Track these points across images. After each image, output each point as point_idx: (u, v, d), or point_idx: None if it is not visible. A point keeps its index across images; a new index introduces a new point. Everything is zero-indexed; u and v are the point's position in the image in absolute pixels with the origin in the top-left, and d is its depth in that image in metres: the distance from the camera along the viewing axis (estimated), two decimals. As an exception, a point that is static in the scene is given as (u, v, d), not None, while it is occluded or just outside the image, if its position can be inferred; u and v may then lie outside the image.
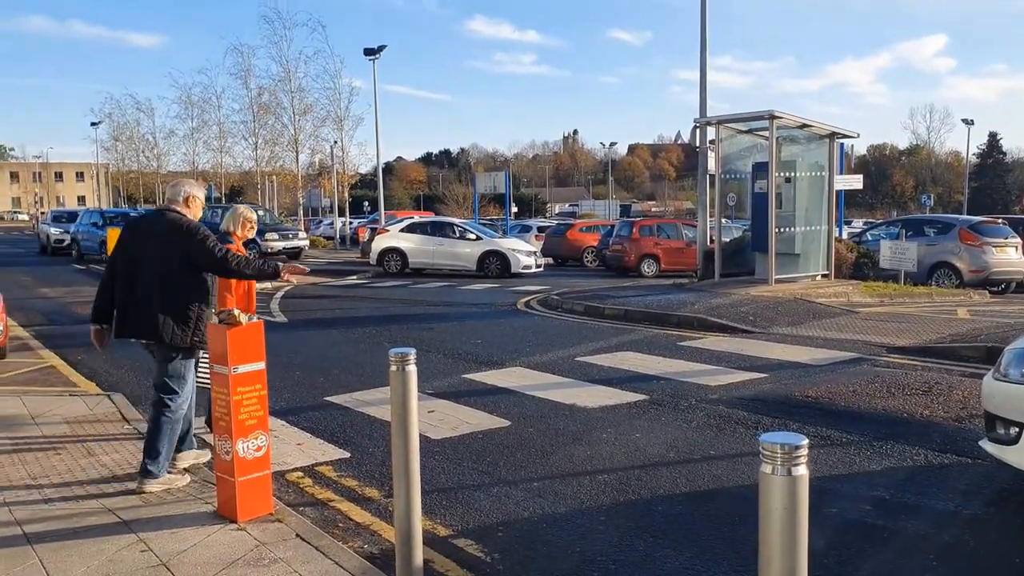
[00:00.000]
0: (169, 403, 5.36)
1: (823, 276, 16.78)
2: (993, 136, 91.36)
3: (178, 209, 5.48)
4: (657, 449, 6.33)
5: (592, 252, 29.55)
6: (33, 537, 4.55)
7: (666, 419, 7.18)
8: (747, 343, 10.84)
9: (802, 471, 2.39)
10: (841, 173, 20.60)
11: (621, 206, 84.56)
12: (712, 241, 17.94)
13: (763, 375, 8.85)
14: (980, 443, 5.42)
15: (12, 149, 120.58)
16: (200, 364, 5.85)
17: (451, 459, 6.13)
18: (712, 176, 17.66)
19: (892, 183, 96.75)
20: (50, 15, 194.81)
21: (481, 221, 37.53)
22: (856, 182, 23.01)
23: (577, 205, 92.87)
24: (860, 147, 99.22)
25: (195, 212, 5.57)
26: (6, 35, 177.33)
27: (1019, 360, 5.07)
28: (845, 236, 22.85)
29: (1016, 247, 18.44)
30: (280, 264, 5.49)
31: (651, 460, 6.06)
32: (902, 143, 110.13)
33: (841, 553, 4.41)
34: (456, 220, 28.18)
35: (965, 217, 23.01)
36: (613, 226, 29.10)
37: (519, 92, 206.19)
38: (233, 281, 6.02)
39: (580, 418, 7.25)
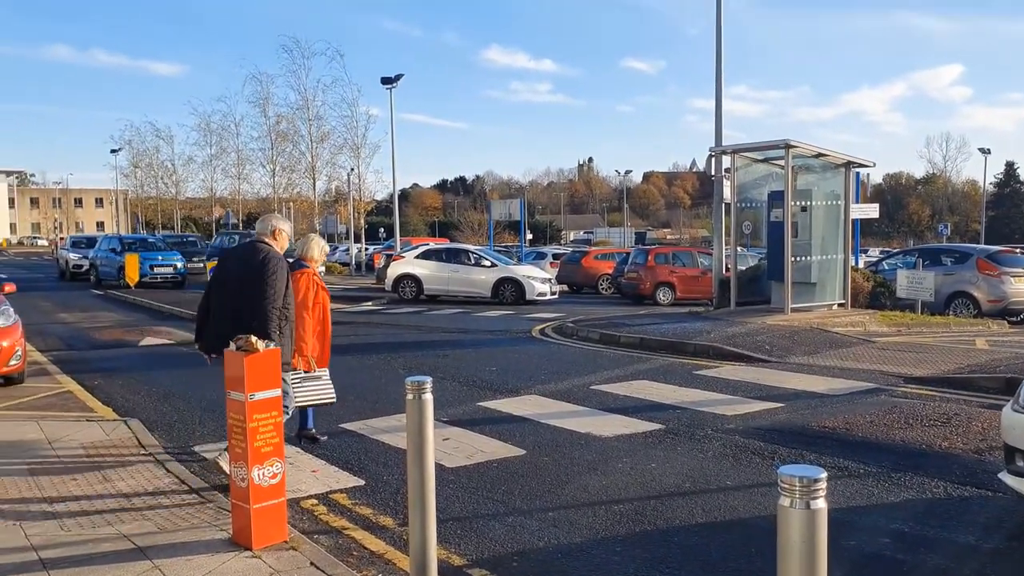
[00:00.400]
0: None
1: (839, 305, 16.69)
2: (1010, 165, 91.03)
3: (267, 241, 6.18)
4: (673, 479, 6.29)
5: (607, 280, 29.54)
6: (48, 563, 4.56)
7: (682, 449, 7.14)
8: (763, 372, 10.79)
9: (821, 504, 2.38)
10: (857, 202, 20.54)
11: (636, 234, 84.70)
12: (728, 269, 17.90)
13: (779, 405, 8.80)
14: (1000, 476, 5.36)
15: (33, 175, 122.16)
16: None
17: (466, 488, 6.11)
18: (728, 204, 17.65)
19: (909, 212, 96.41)
20: (72, 44, 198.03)
21: (496, 248, 37.60)
22: (872, 211, 22.94)
23: (592, 232, 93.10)
24: (876, 176, 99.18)
25: (282, 243, 6.26)
26: (29, 63, 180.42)
27: None
28: (861, 265, 22.75)
29: (1035, 277, 18.28)
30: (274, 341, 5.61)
31: (667, 490, 6.02)
32: (918, 172, 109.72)
33: (860, 587, 4.35)
34: (471, 247, 28.27)
35: (983, 247, 22.89)
36: (628, 254, 29.09)
37: (535, 120, 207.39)
38: (309, 303, 6.87)
39: (595, 447, 7.22)
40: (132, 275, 26.58)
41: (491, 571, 4.61)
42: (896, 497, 5.82)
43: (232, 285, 5.99)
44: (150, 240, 33.12)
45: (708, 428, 7.82)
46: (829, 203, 16.36)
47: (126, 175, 59.87)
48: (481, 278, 23.86)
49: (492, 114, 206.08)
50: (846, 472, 6.38)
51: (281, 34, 77.33)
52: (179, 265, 28.41)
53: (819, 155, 16.55)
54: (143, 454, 6.97)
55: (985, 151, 61.87)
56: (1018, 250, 19.85)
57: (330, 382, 7.10)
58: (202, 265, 27.90)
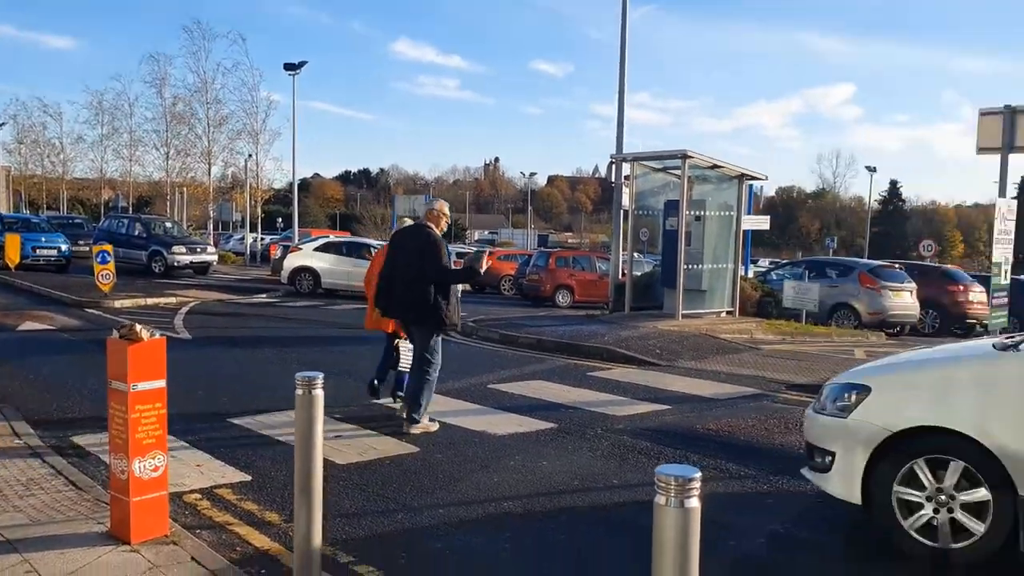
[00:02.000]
0: (428, 368, 7.49)
1: (728, 313, 17.24)
2: (894, 184, 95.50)
3: (428, 224, 7.54)
4: (562, 477, 6.40)
5: (509, 281, 29.71)
6: (-92, 556, 4.33)
7: (573, 448, 7.27)
8: (653, 375, 11.06)
9: (694, 503, 2.48)
10: (749, 213, 21.28)
11: (539, 236, 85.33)
12: (624, 275, 18.27)
13: (667, 407, 9.04)
14: (802, 471, 5.65)
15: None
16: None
17: (357, 485, 6.07)
18: (626, 211, 18.01)
19: (799, 224, 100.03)
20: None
21: (398, 244, 37.27)
22: (763, 223, 23.76)
23: (496, 233, 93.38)
24: (769, 188, 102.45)
25: (438, 225, 7.59)
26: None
27: (834, 394, 5.36)
28: (751, 275, 23.54)
29: (911, 292, 19.29)
30: (476, 264, 7.58)
31: (556, 488, 6.13)
32: (809, 186, 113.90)
33: (734, 584, 4.53)
34: (373, 241, 27.94)
35: (865, 261, 23.97)
36: (531, 256, 29.34)
37: (442, 116, 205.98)
38: None
39: (489, 445, 7.28)
40: (13, 256, 25.29)
41: (378, 568, 4.60)
42: (773, 499, 6.06)
43: (403, 266, 7.42)
44: (33, 220, 31.58)
45: (598, 428, 7.98)
46: (722, 214, 16.88)
47: (9, 151, 56.92)
48: (381, 273, 23.56)
49: (399, 107, 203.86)
50: (727, 473, 6.62)
51: (182, 15, 74.46)
52: (63, 248, 27.18)
53: (715, 166, 17.05)
54: (17, 444, 6.67)
55: (871, 169, 64.80)
56: (897, 265, 20.86)
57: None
58: (88, 248, 26.69)
